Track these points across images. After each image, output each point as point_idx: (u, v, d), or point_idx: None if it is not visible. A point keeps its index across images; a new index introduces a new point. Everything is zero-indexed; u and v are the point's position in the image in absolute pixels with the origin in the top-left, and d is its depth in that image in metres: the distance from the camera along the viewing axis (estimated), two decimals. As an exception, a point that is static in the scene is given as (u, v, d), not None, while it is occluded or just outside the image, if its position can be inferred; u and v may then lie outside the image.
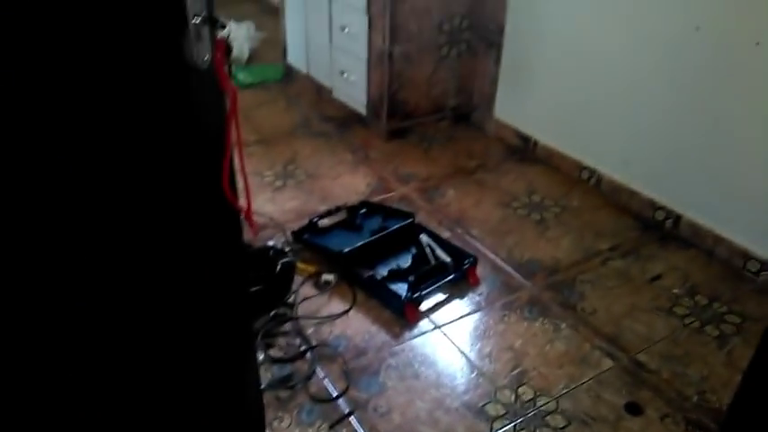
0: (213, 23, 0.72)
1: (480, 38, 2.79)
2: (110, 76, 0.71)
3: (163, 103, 0.75)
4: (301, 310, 1.81)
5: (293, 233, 2.11)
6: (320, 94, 3.19)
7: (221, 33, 0.73)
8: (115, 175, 0.76)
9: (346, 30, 2.78)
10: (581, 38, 2.33)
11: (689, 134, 2.06)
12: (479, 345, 1.71)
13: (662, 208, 2.21)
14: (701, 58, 1.96)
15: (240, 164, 0.89)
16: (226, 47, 0.74)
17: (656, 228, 2.21)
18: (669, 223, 2.19)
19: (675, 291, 1.91)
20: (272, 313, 1.76)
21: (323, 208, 2.24)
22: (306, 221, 2.15)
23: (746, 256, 1.97)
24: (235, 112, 0.80)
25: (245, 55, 3.71)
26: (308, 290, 1.89)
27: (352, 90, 2.89)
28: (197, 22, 0.71)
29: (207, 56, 0.74)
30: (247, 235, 1.06)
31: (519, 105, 2.72)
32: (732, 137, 1.94)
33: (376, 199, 2.35)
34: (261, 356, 1.63)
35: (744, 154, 1.92)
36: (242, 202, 0.95)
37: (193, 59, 0.73)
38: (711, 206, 2.05)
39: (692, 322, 1.79)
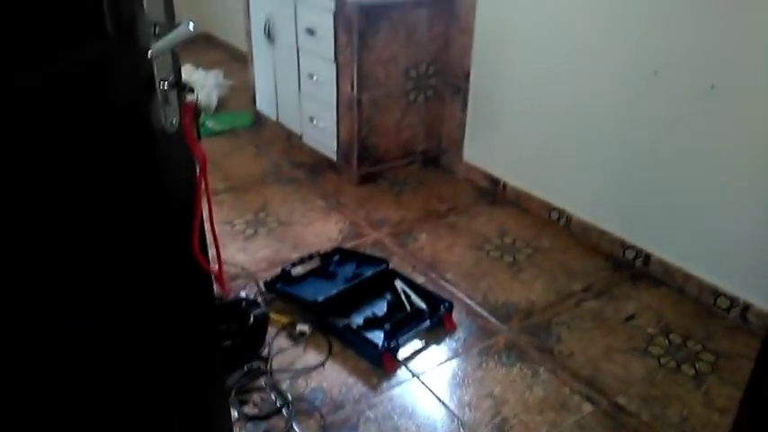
0: (181, 88, 0.71)
1: (447, 83, 2.85)
2: (77, 142, 0.69)
3: (131, 169, 0.74)
4: (276, 363, 1.76)
5: (266, 283, 2.07)
6: (290, 140, 3.19)
7: (190, 97, 0.72)
8: (83, 241, 0.74)
9: (315, 77, 2.80)
10: (545, 81, 2.40)
11: (653, 174, 2.11)
12: (459, 393, 1.68)
13: (631, 247, 2.24)
14: (660, 101, 2.02)
15: (210, 224, 0.87)
16: (194, 110, 0.73)
17: (627, 267, 2.24)
18: (639, 262, 2.22)
19: (650, 330, 1.92)
20: (246, 368, 1.71)
21: (295, 256, 2.21)
22: (278, 270, 2.11)
23: (716, 292, 2.00)
24: (204, 175, 0.79)
25: (214, 103, 3.71)
26: (282, 341, 1.85)
27: (322, 136, 2.90)
28: (164, 87, 0.70)
29: (175, 119, 0.73)
30: (219, 291, 1.04)
31: (487, 148, 2.76)
32: (693, 176, 1.99)
33: (349, 245, 2.33)
34: (235, 414, 1.57)
35: (705, 193, 1.97)
36: (214, 262, 0.93)
37: (161, 124, 0.71)
38: (679, 244, 2.09)
39: (667, 362, 1.79)
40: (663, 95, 2.01)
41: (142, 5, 0.67)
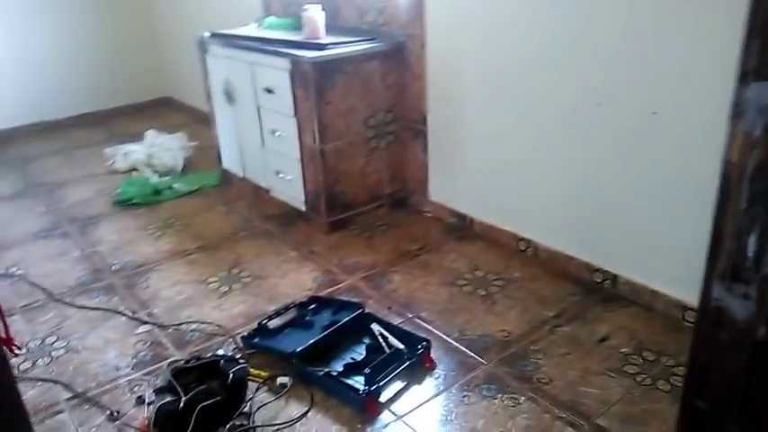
0: None
1: (406, 128, 2.94)
2: None
3: None
4: (259, 418, 1.75)
5: (243, 338, 2.07)
6: (258, 195, 3.23)
7: None
8: None
9: (277, 133, 2.87)
10: (497, 117, 2.50)
11: (609, 198, 2.20)
12: (443, 430, 1.69)
13: (598, 270, 2.30)
14: (606, 129, 2.13)
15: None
16: None
17: (597, 289, 2.29)
18: (608, 284, 2.28)
19: (624, 350, 1.96)
20: (228, 425, 1.70)
21: (271, 308, 2.22)
22: (255, 324, 2.12)
23: (683, 307, 2.06)
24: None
25: (180, 165, 3.75)
26: (263, 396, 1.84)
27: (290, 188, 2.95)
28: None
29: None
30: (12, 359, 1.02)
31: (451, 186, 2.84)
32: (646, 197, 2.08)
33: (324, 293, 2.35)
34: (220, 475, 1.55)
35: (657, 211, 2.05)
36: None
37: None
38: (642, 263, 2.16)
39: (643, 380, 1.83)
40: (608, 124, 2.12)
41: None
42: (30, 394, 1.90)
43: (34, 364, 2.04)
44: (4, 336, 0.93)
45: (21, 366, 2.03)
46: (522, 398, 1.78)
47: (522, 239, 2.57)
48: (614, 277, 2.25)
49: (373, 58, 2.74)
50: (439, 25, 2.62)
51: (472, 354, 1.98)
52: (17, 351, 1.03)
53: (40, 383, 1.94)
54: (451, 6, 2.53)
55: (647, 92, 1.97)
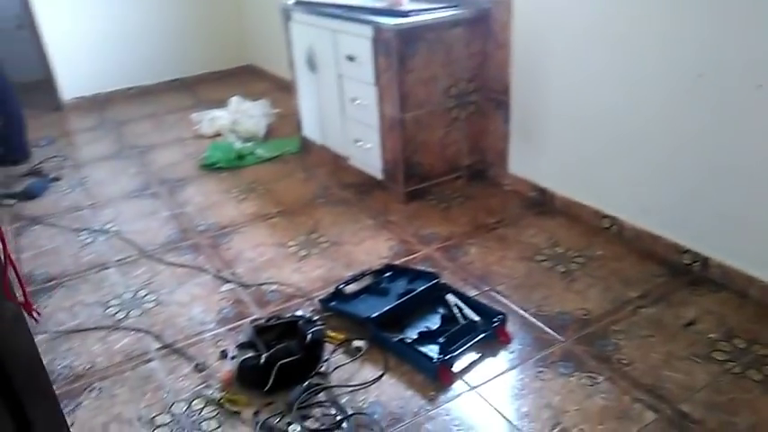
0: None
1: (488, 98, 2.88)
2: None
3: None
4: (334, 378, 1.80)
5: (320, 301, 2.13)
6: (337, 162, 3.27)
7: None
8: None
9: (357, 101, 2.88)
10: (588, 88, 2.39)
11: (705, 176, 2.07)
12: (517, 404, 1.68)
13: (688, 251, 2.19)
14: (706, 104, 1.99)
15: (7, 260, 0.96)
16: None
17: (685, 272, 2.19)
18: (697, 266, 2.17)
19: (712, 335, 1.87)
20: (306, 383, 1.75)
21: (348, 274, 2.26)
22: (332, 289, 2.16)
23: (780, 294, 1.94)
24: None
25: (263, 131, 3.84)
26: (339, 357, 1.88)
27: (368, 157, 2.97)
28: None
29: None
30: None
31: (533, 159, 2.76)
32: (746, 176, 1.94)
33: (399, 262, 2.37)
34: (298, 429, 1.61)
35: (757, 191, 1.92)
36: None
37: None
38: (738, 246, 2.04)
39: (732, 367, 1.74)
40: (708, 98, 1.98)
41: None
42: (124, 342, 2.03)
43: (128, 314, 2.18)
44: (23, 300, 1.01)
45: (116, 316, 2.17)
46: (601, 377, 1.74)
47: (606, 216, 2.47)
48: (705, 260, 2.14)
49: (457, 26, 2.68)
50: (527, -9, 2.53)
51: (549, 330, 1.95)
52: (36, 316, 1.10)
53: (132, 333, 2.07)
54: (542, -29, 2.43)
55: (753, 64, 1.83)
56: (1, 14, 5.29)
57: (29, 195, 3.22)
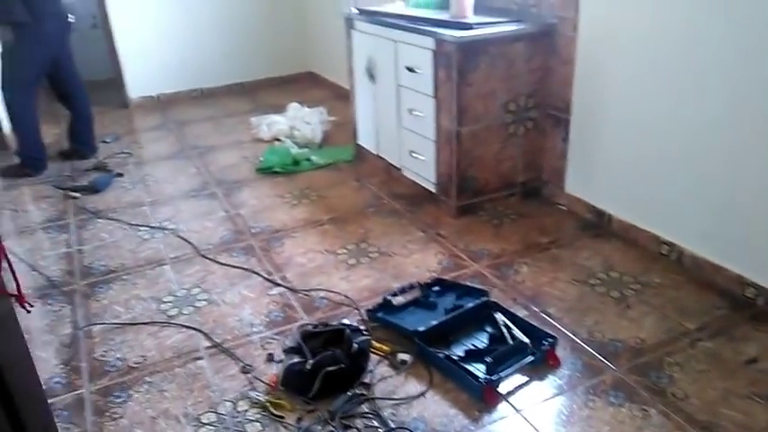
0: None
1: (547, 115, 2.83)
2: None
3: None
4: (378, 390, 1.80)
5: (368, 311, 2.13)
6: (390, 173, 3.28)
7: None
8: None
9: (415, 113, 2.88)
10: (650, 109, 2.32)
11: (776, 207, 1.98)
12: (563, 431, 1.63)
13: (752, 285, 2.09)
14: (783, 130, 1.91)
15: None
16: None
17: (747, 306, 2.09)
18: (761, 300, 2.07)
19: (775, 375, 1.78)
20: (350, 393, 1.76)
21: (396, 285, 2.26)
22: (380, 299, 2.16)
23: None
24: None
25: (319, 138, 3.89)
26: (383, 369, 1.88)
27: (422, 169, 2.96)
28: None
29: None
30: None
31: (590, 179, 2.70)
32: (825, 210, 1.84)
33: (448, 276, 2.35)
34: (338, 439, 1.61)
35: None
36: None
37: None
38: (808, 282, 1.93)
39: (797, 410, 1.65)
40: (785, 124, 1.89)
41: None
42: (175, 338, 2.08)
43: (180, 311, 2.23)
44: (16, 293, 1.04)
45: (169, 312, 2.23)
46: (653, 410, 1.68)
47: (666, 243, 2.39)
48: (771, 294, 2.04)
49: (519, 41, 2.65)
50: (594, 9, 2.48)
51: (600, 357, 1.89)
52: (29, 308, 1.13)
53: (184, 330, 2.13)
54: (610, -11, 2.38)
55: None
56: (78, 14, 5.56)
57: (93, 189, 3.36)
